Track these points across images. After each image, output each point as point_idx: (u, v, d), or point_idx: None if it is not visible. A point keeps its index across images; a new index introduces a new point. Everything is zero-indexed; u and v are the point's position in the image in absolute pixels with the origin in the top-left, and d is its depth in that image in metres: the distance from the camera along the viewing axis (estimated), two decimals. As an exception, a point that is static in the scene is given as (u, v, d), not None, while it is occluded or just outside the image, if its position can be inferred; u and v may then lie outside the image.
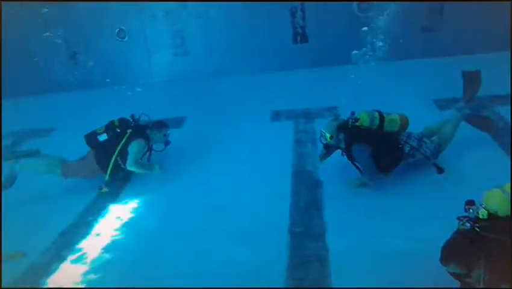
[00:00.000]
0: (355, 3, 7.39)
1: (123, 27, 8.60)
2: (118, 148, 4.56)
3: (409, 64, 6.98)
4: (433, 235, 2.70)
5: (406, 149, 4.09)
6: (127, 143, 4.59)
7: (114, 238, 3.92)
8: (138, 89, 7.06)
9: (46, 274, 3.50)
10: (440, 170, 4.15)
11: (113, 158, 4.56)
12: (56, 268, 3.57)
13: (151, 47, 8.62)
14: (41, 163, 4.77)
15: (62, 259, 3.68)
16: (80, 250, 3.79)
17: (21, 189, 4.62)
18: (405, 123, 4.22)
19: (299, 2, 7.68)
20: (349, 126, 4.10)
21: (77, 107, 7.76)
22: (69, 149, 5.80)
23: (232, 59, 8.01)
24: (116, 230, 4.03)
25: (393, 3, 6.44)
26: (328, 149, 4.25)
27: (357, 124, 4.09)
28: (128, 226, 4.08)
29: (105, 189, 4.61)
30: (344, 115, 4.28)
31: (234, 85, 7.51)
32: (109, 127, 4.69)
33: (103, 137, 4.63)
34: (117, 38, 8.64)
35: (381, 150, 4.01)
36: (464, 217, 2.48)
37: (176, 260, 3.51)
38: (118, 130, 4.67)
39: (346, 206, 3.92)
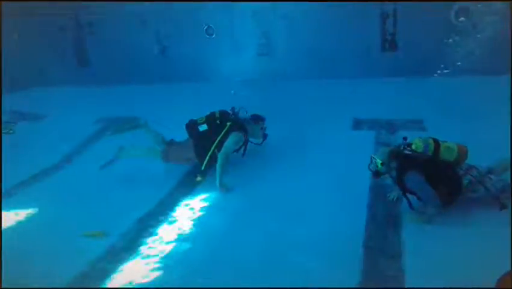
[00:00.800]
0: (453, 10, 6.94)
1: (212, 25, 8.87)
2: (218, 139, 4.69)
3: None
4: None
5: (465, 181, 3.70)
6: (226, 135, 4.71)
7: (184, 231, 3.99)
8: (232, 91, 7.14)
9: (123, 257, 3.65)
10: (503, 206, 3.61)
11: (211, 149, 4.69)
12: (133, 252, 3.71)
13: (237, 44, 8.80)
14: (143, 150, 5.13)
15: (140, 243, 3.83)
16: (155, 236, 3.93)
17: (113, 172, 4.97)
18: (463, 152, 3.81)
19: (391, 6, 7.38)
20: (402, 153, 3.82)
21: (163, 99, 8.13)
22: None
23: (315, 62, 7.89)
24: (188, 223, 4.10)
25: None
26: (378, 177, 3.96)
27: (410, 151, 3.79)
28: (200, 221, 4.13)
29: (199, 179, 4.78)
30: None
31: (315, 89, 7.40)
32: (210, 119, 4.83)
33: (203, 127, 4.78)
34: (206, 34, 8.94)
35: (436, 179, 3.66)
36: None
37: (242, 263, 3.45)
38: (219, 122, 4.79)
39: (423, 227, 3.65)
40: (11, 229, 4.27)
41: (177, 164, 5.04)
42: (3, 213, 4.53)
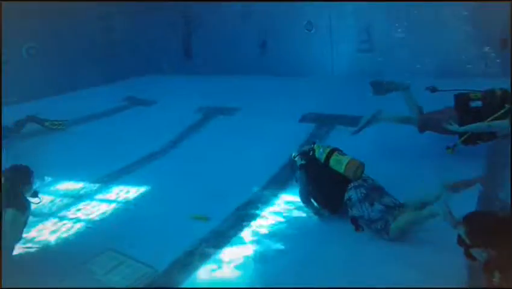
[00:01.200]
0: None
1: (312, 20, 8.88)
2: (491, 118, 4.33)
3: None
4: None
5: (348, 195, 3.71)
6: (502, 117, 4.29)
7: (283, 224, 4.07)
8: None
9: (222, 242, 3.84)
10: (357, 228, 3.67)
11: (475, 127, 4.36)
12: (232, 237, 3.90)
13: (335, 40, 8.72)
14: (401, 117, 5.08)
15: (239, 229, 4.01)
16: (254, 226, 4.06)
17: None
18: (351, 167, 3.80)
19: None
20: (306, 155, 4.18)
21: (261, 91, 8.38)
22: (248, 130, 6.35)
23: (418, 60, 7.54)
24: (286, 216, 4.19)
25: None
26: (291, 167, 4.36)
27: (312, 154, 4.13)
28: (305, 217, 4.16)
29: (450, 151, 4.59)
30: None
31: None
32: (488, 96, 4.48)
33: (476, 103, 4.51)
34: (305, 29, 8.99)
35: (318, 184, 4.00)
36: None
37: (331, 267, 3.37)
38: (498, 102, 4.38)
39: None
40: (124, 203, 4.75)
41: (434, 133, 4.81)
42: (117, 188, 5.12)
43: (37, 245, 3.83)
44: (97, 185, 5.23)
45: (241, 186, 4.81)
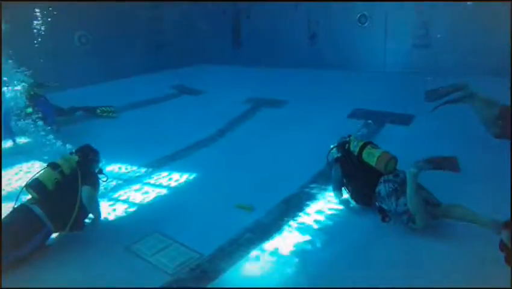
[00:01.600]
0: None
1: (366, 13, 8.65)
2: None
3: None
4: None
5: (378, 189, 3.70)
6: None
7: (328, 218, 4.00)
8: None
9: (266, 233, 3.81)
10: (383, 218, 3.68)
11: None
12: (276, 229, 3.86)
13: (390, 35, 8.44)
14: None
15: (283, 221, 3.97)
16: (298, 219, 4.02)
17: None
18: (383, 160, 3.77)
19: None
20: (345, 148, 4.20)
21: (308, 83, 8.29)
22: (295, 124, 6.32)
23: (480, 57, 7.15)
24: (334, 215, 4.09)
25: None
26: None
27: (347, 147, 4.17)
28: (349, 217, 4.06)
29: None
30: None
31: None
32: None
33: None
34: (358, 23, 8.76)
35: (351, 177, 4.05)
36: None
37: (376, 264, 3.28)
38: None
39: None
40: (172, 188, 4.84)
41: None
42: (165, 173, 5.22)
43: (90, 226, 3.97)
44: (146, 169, 5.38)
45: (287, 179, 4.79)
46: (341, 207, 4.16)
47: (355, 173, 4.03)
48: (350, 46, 8.88)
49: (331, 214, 4.06)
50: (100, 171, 4.12)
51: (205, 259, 3.44)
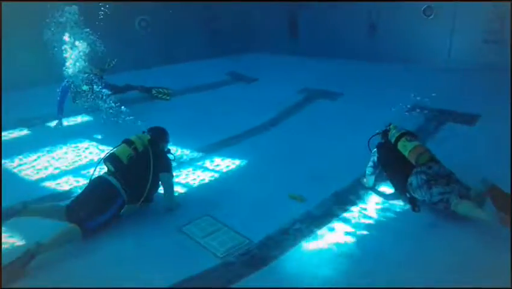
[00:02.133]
0: None
1: (432, 5, 8.22)
2: None
3: None
4: None
5: (410, 180, 3.81)
6: None
7: (380, 213, 3.88)
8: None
9: (317, 225, 3.75)
10: (413, 208, 3.79)
11: None
12: (327, 222, 3.80)
13: (458, 28, 7.97)
14: None
15: (335, 214, 3.90)
16: (349, 213, 3.94)
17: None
18: (416, 153, 3.88)
19: None
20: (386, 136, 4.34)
21: (365, 76, 8.05)
22: (349, 117, 6.12)
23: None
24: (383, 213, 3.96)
25: None
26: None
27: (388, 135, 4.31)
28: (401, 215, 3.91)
29: None
30: None
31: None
32: None
33: None
34: (423, 14, 8.35)
35: (387, 164, 4.19)
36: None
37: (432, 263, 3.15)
38: None
39: None
40: (224, 174, 4.89)
41: None
42: (218, 158, 5.28)
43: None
44: (198, 153, 5.46)
45: (339, 172, 4.70)
46: (395, 202, 4.03)
47: (391, 162, 4.16)
48: (412, 39, 8.48)
49: (383, 210, 3.95)
50: (168, 151, 4.33)
51: (254, 246, 3.45)
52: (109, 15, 7.12)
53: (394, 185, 4.15)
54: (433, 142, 5.00)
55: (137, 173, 3.85)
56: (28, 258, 3.07)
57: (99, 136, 6.14)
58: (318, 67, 9.15)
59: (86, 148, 5.75)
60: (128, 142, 4.02)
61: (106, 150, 4.70)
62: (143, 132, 4.29)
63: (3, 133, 6.09)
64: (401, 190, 4.01)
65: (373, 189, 4.32)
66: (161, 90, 7.74)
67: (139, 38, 9.66)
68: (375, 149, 4.34)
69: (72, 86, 6.40)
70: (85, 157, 5.44)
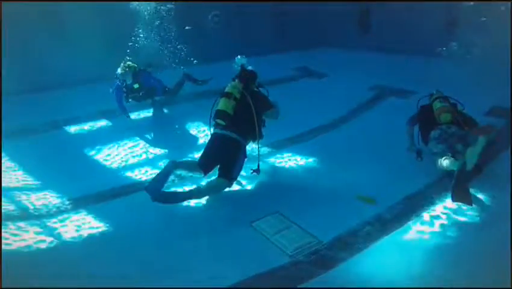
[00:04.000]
0: None
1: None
2: None
3: None
4: None
5: (432, 133, 4.64)
6: None
7: (451, 220, 3.76)
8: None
9: (386, 229, 3.69)
10: (419, 155, 4.83)
11: None
12: (397, 226, 3.72)
13: None
14: None
15: (406, 218, 3.82)
16: (421, 218, 3.82)
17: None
18: (439, 112, 4.73)
19: None
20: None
21: (443, 75, 7.61)
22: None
23: None
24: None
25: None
26: None
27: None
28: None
29: None
30: None
31: None
32: None
33: None
34: None
35: (422, 120, 4.99)
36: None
37: None
38: None
39: None
40: (292, 171, 4.93)
41: None
42: (287, 155, 5.31)
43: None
44: (267, 149, 5.52)
45: (412, 175, 4.59)
46: (469, 212, 3.86)
47: (425, 118, 4.88)
48: (496, 35, 7.87)
49: (456, 217, 3.83)
50: (260, 85, 4.72)
51: (323, 246, 3.48)
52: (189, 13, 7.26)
53: (423, 137, 4.86)
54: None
55: (244, 118, 4.29)
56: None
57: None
58: (391, 63, 8.86)
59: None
60: (227, 94, 4.37)
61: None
62: (233, 80, 4.59)
63: (87, 124, 6.38)
64: (424, 140, 4.82)
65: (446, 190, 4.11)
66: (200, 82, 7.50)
67: (209, 33, 9.87)
68: (420, 108, 5.06)
69: (124, 85, 6.43)
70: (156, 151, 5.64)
